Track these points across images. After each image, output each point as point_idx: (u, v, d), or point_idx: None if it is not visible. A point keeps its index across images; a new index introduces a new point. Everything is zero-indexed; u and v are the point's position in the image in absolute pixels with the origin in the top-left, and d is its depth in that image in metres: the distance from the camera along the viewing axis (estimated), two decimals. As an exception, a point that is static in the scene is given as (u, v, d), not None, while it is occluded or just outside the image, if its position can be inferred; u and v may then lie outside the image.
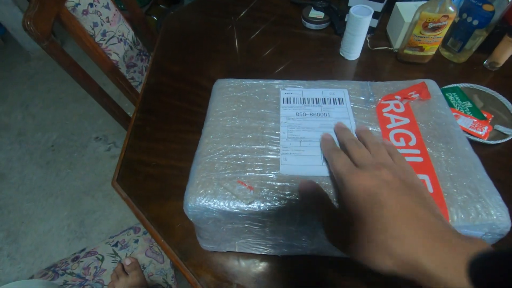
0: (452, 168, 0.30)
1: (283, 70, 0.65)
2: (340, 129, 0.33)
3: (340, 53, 0.67)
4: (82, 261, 0.71)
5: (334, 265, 0.39)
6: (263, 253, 0.39)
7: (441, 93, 0.38)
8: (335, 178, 0.27)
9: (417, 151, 0.32)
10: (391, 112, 0.36)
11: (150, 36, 0.96)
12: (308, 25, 0.73)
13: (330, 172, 0.30)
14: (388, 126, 0.34)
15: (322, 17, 0.72)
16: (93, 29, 0.70)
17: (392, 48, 0.66)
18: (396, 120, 0.35)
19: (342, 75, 0.66)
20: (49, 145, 1.51)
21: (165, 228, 0.44)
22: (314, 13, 0.72)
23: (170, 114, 0.58)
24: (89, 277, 0.68)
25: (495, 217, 0.27)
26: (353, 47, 0.63)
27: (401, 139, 0.33)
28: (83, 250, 0.74)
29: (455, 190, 0.29)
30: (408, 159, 0.31)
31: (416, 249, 0.20)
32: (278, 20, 0.77)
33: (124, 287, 0.66)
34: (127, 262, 0.69)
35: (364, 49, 0.67)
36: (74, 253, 0.73)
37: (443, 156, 0.31)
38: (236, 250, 0.39)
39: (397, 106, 0.36)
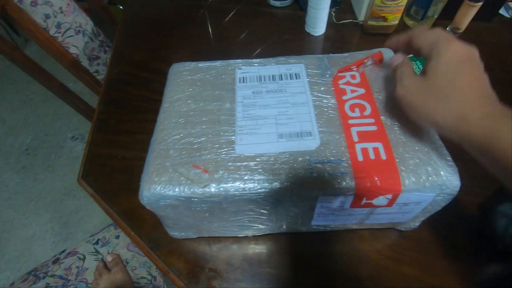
0: (405, 134, 0.31)
1: (249, 51, 0.63)
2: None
3: (306, 29, 0.66)
4: (63, 262, 0.70)
5: (304, 241, 0.40)
6: (232, 236, 0.39)
7: (397, 61, 0.38)
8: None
9: (372, 120, 0.32)
10: (347, 83, 0.35)
11: (114, 26, 0.91)
12: (272, 2, 0.71)
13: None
14: (344, 98, 0.34)
15: (286, -7, 0.70)
16: (45, 21, 0.66)
17: (357, 21, 0.66)
18: (352, 91, 0.35)
19: (309, 52, 0.65)
20: (23, 149, 1.45)
21: (134, 220, 0.43)
22: (277, -10, 0.70)
23: (133, 105, 0.56)
24: (72, 277, 0.68)
25: (444, 178, 0.28)
26: (318, 22, 0.62)
27: (356, 109, 0.33)
28: (63, 251, 0.72)
29: (407, 155, 0.29)
30: (363, 128, 0.31)
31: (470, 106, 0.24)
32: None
33: (108, 284, 0.65)
34: (109, 258, 0.68)
35: (330, 23, 0.66)
36: (55, 255, 0.72)
37: (396, 123, 0.31)
38: (205, 235, 0.39)
39: (353, 77, 0.36)
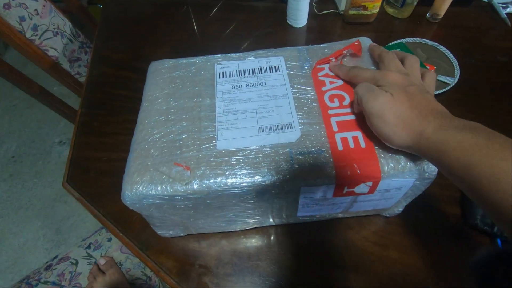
0: (384, 121, 0.31)
1: (231, 45, 0.63)
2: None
3: (288, 21, 0.65)
4: (55, 268, 0.69)
5: (291, 232, 0.40)
6: (221, 231, 0.39)
7: (375, 49, 0.38)
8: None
9: (351, 110, 0.32)
10: (326, 75, 0.36)
11: (94, 26, 0.89)
12: (253, -5, 0.70)
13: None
14: (323, 89, 0.34)
15: (266, -14, 0.69)
16: (20, 24, 0.64)
17: (338, 11, 0.66)
18: (331, 82, 0.35)
19: (292, 44, 0.64)
20: (9, 157, 1.42)
21: (122, 222, 0.43)
22: (257, -18, 0.70)
23: (116, 105, 0.55)
24: (65, 282, 0.67)
25: (422, 162, 0.28)
26: (299, 13, 0.62)
27: (336, 99, 0.33)
28: (55, 257, 0.72)
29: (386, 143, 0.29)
30: (342, 118, 0.32)
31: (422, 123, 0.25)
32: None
33: (103, 286, 0.65)
34: (102, 261, 0.68)
35: (312, 15, 0.66)
36: (47, 262, 0.71)
37: (375, 111, 0.32)
38: (194, 232, 0.39)
39: (332, 67, 0.36)
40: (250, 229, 0.40)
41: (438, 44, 0.56)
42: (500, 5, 0.63)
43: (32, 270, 0.68)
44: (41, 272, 0.69)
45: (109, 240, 0.73)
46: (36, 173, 1.36)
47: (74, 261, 0.70)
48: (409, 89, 0.27)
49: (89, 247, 0.72)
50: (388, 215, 0.39)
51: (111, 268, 0.68)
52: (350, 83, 0.34)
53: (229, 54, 0.39)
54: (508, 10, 0.63)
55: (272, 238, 0.40)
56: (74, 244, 0.73)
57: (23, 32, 0.65)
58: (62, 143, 1.44)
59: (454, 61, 0.53)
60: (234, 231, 0.40)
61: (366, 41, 0.39)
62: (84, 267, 0.69)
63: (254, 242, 0.40)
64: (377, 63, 0.36)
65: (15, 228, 1.23)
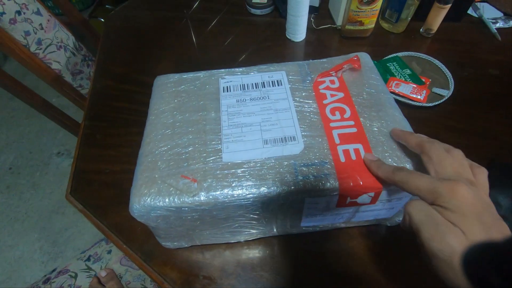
0: (383, 134, 0.32)
1: (232, 59, 0.64)
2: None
3: (287, 35, 0.67)
4: (54, 282, 0.68)
5: (295, 242, 0.41)
6: (225, 242, 0.40)
7: (372, 64, 0.40)
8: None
9: (352, 122, 0.33)
10: (327, 88, 0.37)
11: (96, 40, 0.91)
12: (253, 10, 0.73)
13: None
14: (324, 102, 0.36)
15: (266, 1, 0.72)
16: (25, 38, 0.65)
17: (335, 26, 0.68)
18: (332, 95, 0.36)
19: (291, 58, 0.66)
20: (6, 168, 1.41)
21: (126, 233, 0.43)
22: (257, -2, 0.72)
23: (119, 118, 0.56)
24: (64, 296, 0.66)
25: (422, 173, 0.29)
26: (298, 28, 0.64)
27: (337, 112, 0.34)
28: (54, 270, 0.71)
29: (386, 154, 0.30)
30: (343, 130, 0.33)
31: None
32: (221, 9, 0.75)
33: (102, 300, 0.64)
34: (103, 274, 0.67)
35: (310, 29, 0.68)
36: (45, 275, 0.70)
37: (375, 124, 0.33)
38: (198, 243, 0.40)
39: (332, 82, 0.38)
40: (254, 239, 0.41)
41: (432, 58, 0.58)
42: (490, 20, 0.66)
43: (27, 284, 0.68)
44: (39, 286, 0.68)
45: (109, 252, 0.72)
46: (33, 184, 1.35)
47: (73, 274, 0.69)
48: (484, 217, 0.22)
49: (88, 259, 0.72)
50: (389, 225, 0.40)
51: (111, 280, 0.67)
52: (351, 95, 0.36)
53: (232, 69, 0.41)
54: (498, 25, 0.65)
55: (275, 248, 0.40)
56: (72, 257, 0.73)
57: (27, 46, 0.66)
58: (61, 154, 1.44)
59: (448, 74, 0.55)
60: (238, 242, 0.41)
61: (364, 56, 0.41)
62: (83, 280, 0.68)
63: (257, 252, 0.40)
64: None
65: (11, 240, 1.21)
